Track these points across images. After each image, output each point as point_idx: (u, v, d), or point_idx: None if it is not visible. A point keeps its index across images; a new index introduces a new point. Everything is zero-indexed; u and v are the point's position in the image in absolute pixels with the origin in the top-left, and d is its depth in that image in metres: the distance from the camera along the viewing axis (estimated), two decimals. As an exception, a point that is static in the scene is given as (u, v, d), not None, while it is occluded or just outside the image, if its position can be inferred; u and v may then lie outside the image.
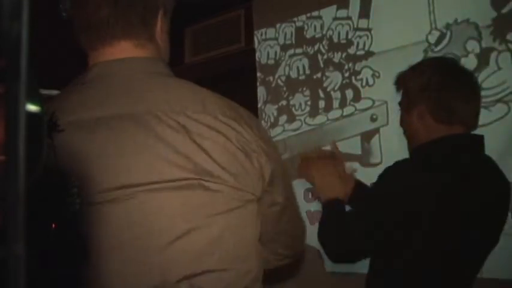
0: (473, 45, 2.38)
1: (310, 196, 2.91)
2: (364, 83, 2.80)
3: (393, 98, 1.87)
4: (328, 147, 2.14)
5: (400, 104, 1.71)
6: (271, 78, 3.16)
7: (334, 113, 2.90)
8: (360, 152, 2.74)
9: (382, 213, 1.52)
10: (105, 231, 0.95)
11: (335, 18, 2.93)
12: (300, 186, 2.98)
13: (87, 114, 0.99)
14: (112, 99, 1.01)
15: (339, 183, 1.75)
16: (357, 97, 2.82)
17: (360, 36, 2.83)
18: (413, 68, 1.69)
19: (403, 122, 1.71)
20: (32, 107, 0.40)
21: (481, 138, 1.65)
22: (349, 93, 2.85)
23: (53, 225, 0.78)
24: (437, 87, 1.60)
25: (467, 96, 1.63)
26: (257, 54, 3.22)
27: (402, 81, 1.70)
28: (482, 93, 1.85)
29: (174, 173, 0.96)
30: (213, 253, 0.98)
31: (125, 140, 0.97)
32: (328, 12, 2.95)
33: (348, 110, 2.86)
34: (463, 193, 1.52)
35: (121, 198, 0.95)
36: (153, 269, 0.95)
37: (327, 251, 1.65)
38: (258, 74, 3.21)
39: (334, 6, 2.92)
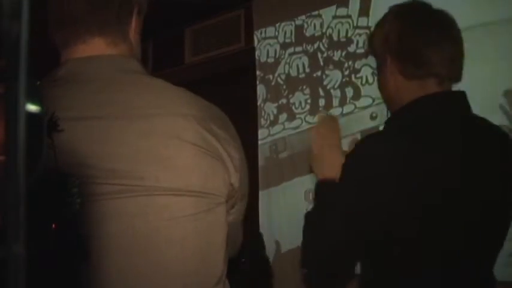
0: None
1: (311, 197, 2.91)
2: (364, 81, 2.80)
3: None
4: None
5: (376, 69, 1.49)
6: (271, 76, 3.16)
7: (334, 111, 2.90)
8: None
9: (359, 211, 1.29)
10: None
11: (335, 17, 2.93)
12: (300, 186, 2.99)
13: (61, 114, 0.96)
14: (82, 100, 1.00)
15: (338, 155, 1.44)
16: (357, 95, 2.82)
17: (360, 34, 2.82)
18: (375, 26, 1.46)
19: (379, 86, 1.48)
20: (32, 107, 0.40)
21: (462, 94, 1.38)
22: (349, 91, 2.86)
23: (53, 225, 0.78)
24: (397, 34, 1.36)
25: (436, 38, 1.35)
26: (257, 52, 3.22)
27: (369, 42, 1.48)
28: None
29: (142, 177, 0.96)
30: (176, 255, 0.98)
31: (91, 141, 0.96)
32: (328, 11, 2.95)
33: (348, 108, 2.86)
34: (452, 168, 1.30)
35: (96, 199, 0.95)
36: (112, 270, 0.95)
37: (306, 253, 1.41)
38: (258, 72, 3.21)
39: (334, 5, 2.92)
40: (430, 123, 1.32)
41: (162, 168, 0.97)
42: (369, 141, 1.38)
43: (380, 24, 1.44)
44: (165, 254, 0.98)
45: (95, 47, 1.06)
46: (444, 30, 1.38)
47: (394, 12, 1.43)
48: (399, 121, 1.38)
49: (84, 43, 1.06)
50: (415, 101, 1.34)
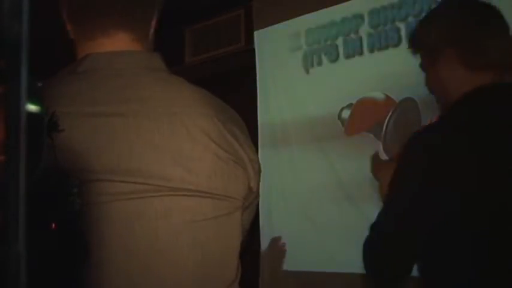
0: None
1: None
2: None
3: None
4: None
5: (421, 66, 1.49)
6: (271, 76, 3.16)
7: (337, 109, 2.89)
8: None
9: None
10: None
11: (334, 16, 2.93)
12: (299, 188, 2.99)
13: (78, 109, 0.95)
14: (105, 96, 0.97)
15: None
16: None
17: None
18: (424, 21, 1.48)
19: (429, 82, 1.48)
20: (32, 107, 0.40)
21: None
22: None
23: (53, 225, 0.78)
24: (461, 25, 1.39)
25: (496, 28, 1.40)
26: (257, 53, 3.22)
27: (418, 40, 1.48)
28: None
29: (166, 178, 0.95)
30: (196, 258, 0.97)
31: (115, 139, 0.95)
32: (328, 11, 2.95)
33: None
34: None
35: (108, 197, 0.93)
36: (133, 270, 0.94)
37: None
38: (258, 73, 3.21)
39: (335, 5, 2.92)
40: (490, 114, 1.33)
41: (187, 170, 0.96)
42: (426, 136, 1.36)
43: (433, 18, 1.45)
44: (186, 257, 0.97)
45: (119, 41, 1.03)
46: (499, 20, 1.42)
47: (449, 5, 1.47)
48: (458, 114, 1.36)
49: (109, 37, 1.03)
50: (475, 91, 1.34)
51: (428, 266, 1.34)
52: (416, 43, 1.49)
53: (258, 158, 1.09)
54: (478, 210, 1.27)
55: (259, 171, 1.10)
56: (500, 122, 1.32)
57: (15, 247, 0.37)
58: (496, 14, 1.43)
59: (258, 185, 1.10)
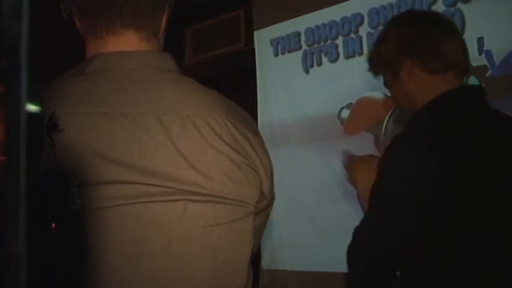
0: None
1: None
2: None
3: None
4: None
5: (385, 84, 1.55)
6: (271, 76, 3.16)
7: (336, 109, 2.89)
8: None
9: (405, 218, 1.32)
10: (105, 232, 0.93)
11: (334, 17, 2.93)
12: (298, 187, 2.98)
13: (88, 109, 0.93)
14: (116, 96, 0.95)
15: None
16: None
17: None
18: (377, 42, 1.53)
19: (397, 98, 1.53)
20: (32, 107, 0.40)
21: (481, 88, 1.50)
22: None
23: (53, 225, 0.78)
24: (413, 34, 1.45)
25: (447, 32, 1.46)
26: (257, 53, 3.22)
27: (375, 62, 1.53)
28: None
29: (180, 180, 0.93)
30: (208, 263, 0.96)
31: (127, 140, 0.93)
32: (328, 11, 2.95)
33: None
34: (493, 159, 1.34)
35: (121, 200, 0.92)
36: (144, 276, 0.92)
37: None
38: (258, 73, 3.21)
39: (334, 5, 2.92)
40: (458, 118, 1.38)
41: (200, 173, 0.95)
42: (398, 145, 1.39)
43: (384, 37, 1.51)
44: (199, 262, 0.95)
45: (128, 40, 1.01)
46: (447, 25, 1.50)
47: (397, 21, 1.54)
48: (427, 119, 1.40)
49: (117, 35, 1.01)
50: (440, 96, 1.39)
51: (417, 269, 1.39)
52: (374, 63, 1.53)
53: (270, 161, 1.07)
54: (470, 210, 1.31)
55: (272, 175, 1.07)
56: (467, 123, 1.37)
57: (15, 247, 0.37)
58: (442, 20, 1.51)
59: (271, 190, 1.08)
